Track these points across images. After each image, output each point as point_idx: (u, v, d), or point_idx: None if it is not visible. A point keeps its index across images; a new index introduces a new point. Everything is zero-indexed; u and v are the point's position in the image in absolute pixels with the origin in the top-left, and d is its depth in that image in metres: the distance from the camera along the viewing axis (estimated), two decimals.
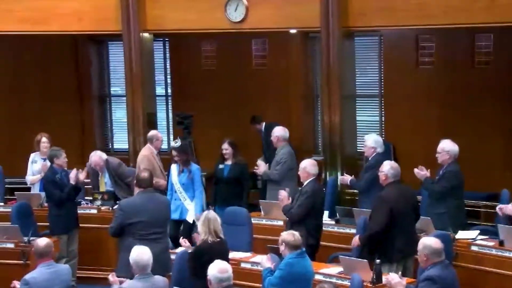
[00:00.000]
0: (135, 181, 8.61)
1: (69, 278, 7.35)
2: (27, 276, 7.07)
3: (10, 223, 9.81)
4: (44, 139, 10.86)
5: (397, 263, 8.06)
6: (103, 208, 10.47)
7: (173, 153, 10.04)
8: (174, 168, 10.06)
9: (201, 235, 7.59)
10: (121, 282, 6.90)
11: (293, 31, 12.91)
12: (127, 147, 12.52)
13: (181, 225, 9.99)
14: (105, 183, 10.56)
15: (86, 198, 10.95)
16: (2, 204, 10.90)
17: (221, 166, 10.35)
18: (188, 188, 9.96)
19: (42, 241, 7.27)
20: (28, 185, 11.13)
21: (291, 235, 7.29)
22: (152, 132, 10.97)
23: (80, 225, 10.05)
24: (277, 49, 13.73)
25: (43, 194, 10.49)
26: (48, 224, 9.95)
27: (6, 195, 11.44)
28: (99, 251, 10.22)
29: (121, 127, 14.11)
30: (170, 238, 9.38)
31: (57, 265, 7.36)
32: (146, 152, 10.61)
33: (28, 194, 10.87)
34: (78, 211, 10.15)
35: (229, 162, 10.30)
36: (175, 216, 9.77)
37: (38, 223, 10.09)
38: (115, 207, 9.96)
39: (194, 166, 10.06)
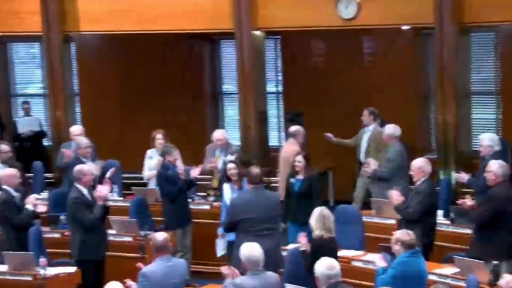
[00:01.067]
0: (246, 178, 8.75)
1: (185, 272, 7.51)
2: (145, 269, 7.25)
3: (128, 217, 10.10)
4: (159, 136, 11.13)
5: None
6: (215, 204, 10.64)
7: (229, 166, 9.56)
8: (226, 187, 9.53)
9: (315, 230, 7.62)
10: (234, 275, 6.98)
11: (405, 27, 12.76)
12: (238, 143, 12.64)
13: None
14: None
15: (198, 194, 11.14)
16: (121, 198, 11.21)
17: (292, 180, 9.84)
18: None
19: (160, 235, 7.43)
20: (144, 181, 11.43)
21: (406, 234, 7.24)
22: (295, 127, 11.05)
23: (193, 220, 10.24)
24: (388, 47, 13.59)
25: (158, 189, 10.75)
26: (163, 218, 10.19)
27: (123, 190, 11.77)
28: (211, 246, 10.36)
29: (232, 125, 14.27)
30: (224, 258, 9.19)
31: (174, 259, 7.52)
32: (295, 146, 10.71)
33: (144, 189, 11.16)
34: (191, 207, 10.36)
35: (300, 176, 9.78)
36: (230, 237, 9.13)
37: (154, 218, 10.34)
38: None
39: (245, 183, 9.21)
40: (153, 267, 7.27)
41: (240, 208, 8.46)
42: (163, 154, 10.34)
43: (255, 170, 8.65)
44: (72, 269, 8.88)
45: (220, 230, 9.51)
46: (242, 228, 8.40)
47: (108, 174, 10.37)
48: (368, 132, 11.73)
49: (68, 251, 9.40)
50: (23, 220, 9.25)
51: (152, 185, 11.09)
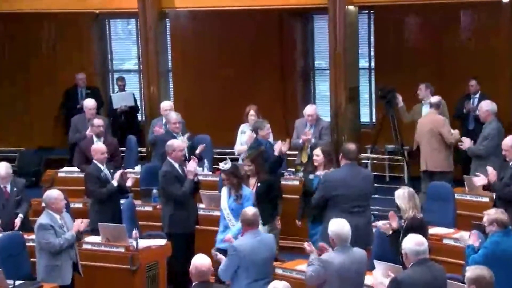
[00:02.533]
0: (341, 154, 8.67)
1: (273, 246, 7.53)
2: (235, 243, 7.32)
3: (217, 191, 10.20)
4: (252, 112, 11.19)
5: None
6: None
7: (223, 176, 9.02)
8: (224, 191, 8.98)
9: (408, 211, 7.49)
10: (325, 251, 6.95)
11: (505, 0, 12.38)
12: (329, 120, 12.56)
13: None
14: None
15: (288, 169, 11.14)
16: (210, 173, 11.32)
17: (311, 176, 9.12)
18: (238, 214, 8.27)
19: (250, 210, 7.49)
20: (236, 155, 11.52)
21: (501, 214, 7.09)
22: (436, 98, 11.06)
23: (283, 195, 10.25)
24: (486, 21, 13.23)
25: None
26: None
27: (214, 165, 11.88)
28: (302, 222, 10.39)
29: (323, 101, 14.19)
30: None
31: (263, 234, 7.56)
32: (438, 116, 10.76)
33: (236, 163, 11.24)
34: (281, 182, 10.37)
35: (320, 172, 9.00)
36: (223, 245, 8.32)
37: None
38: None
39: (247, 190, 8.90)
40: (243, 241, 7.33)
41: (333, 184, 8.43)
42: (255, 129, 10.40)
43: (351, 146, 8.61)
44: (163, 241, 9.04)
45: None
46: (334, 204, 8.37)
47: (198, 150, 10.47)
48: (426, 106, 11.51)
49: (160, 224, 9.57)
50: (104, 195, 9.55)
51: None
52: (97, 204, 9.66)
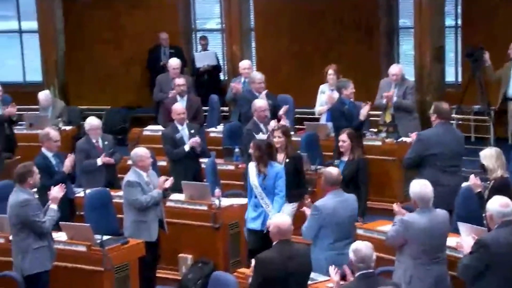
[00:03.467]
0: (435, 114, 8.55)
1: (355, 207, 7.53)
2: (318, 203, 7.34)
3: (299, 152, 10.21)
4: (330, 71, 11.13)
5: None
6: (387, 140, 10.55)
7: (251, 145, 8.32)
8: (252, 167, 8.30)
9: (496, 170, 7.36)
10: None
11: None
12: (413, 79, 12.39)
13: (262, 236, 7.98)
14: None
15: (370, 130, 11.08)
16: (292, 133, 11.33)
17: (336, 162, 8.65)
18: (270, 193, 8.18)
19: (334, 170, 7.51)
20: (316, 116, 11.50)
21: None
22: None
23: (365, 156, 10.20)
24: None
25: (329, 124, 10.78)
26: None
27: (296, 125, 11.89)
28: (383, 183, 10.34)
29: (408, 61, 13.99)
30: (250, 252, 8.13)
31: (345, 194, 7.54)
32: None
33: (316, 124, 11.23)
34: (363, 143, 10.31)
35: (345, 158, 8.55)
36: (255, 225, 8.23)
37: (325, 153, 10.40)
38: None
39: (278, 167, 8.27)
40: (325, 201, 7.34)
41: (428, 143, 8.40)
42: (338, 88, 10.35)
43: (445, 105, 8.55)
44: (245, 200, 9.13)
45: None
46: (428, 163, 8.33)
47: (281, 111, 10.47)
48: None
49: (242, 183, 9.67)
50: (176, 156, 9.70)
51: (323, 120, 11.14)
52: (173, 163, 9.81)
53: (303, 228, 7.34)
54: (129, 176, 8.41)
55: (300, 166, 8.72)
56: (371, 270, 5.82)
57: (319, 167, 9.69)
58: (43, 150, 8.93)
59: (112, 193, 9.09)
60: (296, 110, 12.25)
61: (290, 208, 8.47)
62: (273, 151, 8.31)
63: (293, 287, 6.10)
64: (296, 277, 6.12)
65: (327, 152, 10.39)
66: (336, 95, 10.70)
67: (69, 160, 8.84)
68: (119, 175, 9.63)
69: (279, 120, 10.12)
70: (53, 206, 7.48)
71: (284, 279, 6.03)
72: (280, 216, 6.32)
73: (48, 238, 7.51)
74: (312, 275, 6.55)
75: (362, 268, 5.79)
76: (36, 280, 7.39)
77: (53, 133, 9.02)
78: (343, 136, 8.48)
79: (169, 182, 8.50)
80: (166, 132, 10.00)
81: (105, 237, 7.91)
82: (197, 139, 9.74)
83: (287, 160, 8.58)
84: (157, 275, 8.78)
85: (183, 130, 9.87)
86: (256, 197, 8.19)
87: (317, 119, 11.46)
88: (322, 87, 11.26)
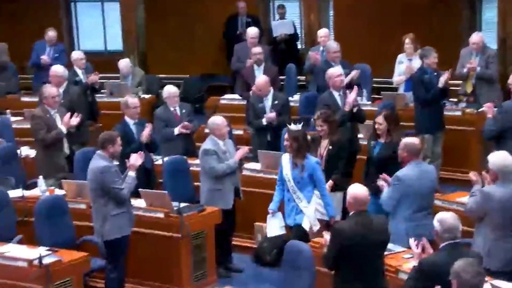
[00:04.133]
0: None
1: (434, 177, 7.46)
2: (399, 173, 7.27)
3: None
4: (407, 40, 10.98)
5: None
6: (467, 110, 10.38)
7: (286, 140, 7.98)
8: (286, 158, 7.92)
9: None
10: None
11: None
12: (495, 48, 12.09)
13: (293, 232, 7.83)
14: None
15: (450, 100, 10.89)
16: (369, 103, 11.24)
17: (372, 143, 8.28)
18: (304, 187, 7.79)
19: (416, 140, 7.44)
20: (394, 86, 11.36)
21: None
22: None
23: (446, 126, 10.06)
24: None
25: (408, 94, 10.65)
26: (413, 124, 10.12)
27: (373, 95, 11.78)
28: (462, 153, 10.18)
29: (490, 29, 13.66)
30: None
31: (424, 164, 7.48)
32: None
33: (394, 94, 11.11)
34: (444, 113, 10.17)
35: (382, 140, 8.18)
36: (289, 221, 7.90)
37: (404, 123, 10.28)
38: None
39: (313, 159, 7.87)
40: (407, 171, 7.27)
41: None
42: (421, 56, 10.20)
43: None
44: None
45: (271, 206, 7.98)
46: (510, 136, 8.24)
47: (352, 74, 10.34)
48: None
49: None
50: (256, 126, 9.77)
51: (402, 90, 11.00)
52: (254, 132, 9.86)
53: (383, 198, 7.30)
54: (206, 145, 8.48)
55: (343, 153, 8.45)
56: (457, 240, 5.72)
57: None
58: (126, 118, 9.06)
59: (189, 161, 9.19)
60: (374, 79, 12.12)
61: (335, 198, 8.20)
62: (309, 142, 8.02)
63: (369, 257, 6.07)
64: (373, 247, 6.08)
65: (405, 122, 10.26)
66: (416, 64, 10.54)
67: (147, 129, 8.94)
68: (197, 144, 9.73)
69: (351, 86, 10.02)
70: (131, 174, 7.60)
71: (360, 250, 6.00)
72: (357, 186, 6.27)
73: (127, 205, 7.64)
74: (389, 245, 6.51)
75: (448, 238, 5.70)
76: (115, 245, 7.55)
77: (131, 101, 9.14)
78: (379, 118, 8.15)
79: (243, 151, 8.53)
80: (251, 99, 10.06)
81: (182, 204, 8.02)
82: (272, 115, 9.69)
83: (330, 147, 8.36)
84: (233, 243, 8.87)
85: (266, 101, 9.86)
86: (288, 191, 7.80)
87: (395, 89, 11.32)
88: (400, 57, 11.12)
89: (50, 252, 7.20)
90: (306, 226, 7.74)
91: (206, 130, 8.81)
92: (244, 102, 10.79)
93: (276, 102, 9.85)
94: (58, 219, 7.91)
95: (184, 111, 9.78)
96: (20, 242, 7.70)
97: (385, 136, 8.11)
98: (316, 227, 7.64)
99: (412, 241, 6.18)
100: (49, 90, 9.34)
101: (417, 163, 7.28)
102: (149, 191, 8.26)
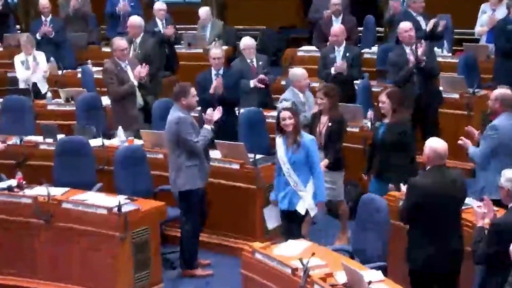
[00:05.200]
0: None
1: None
2: (495, 122, 7.09)
3: (456, 74, 9.95)
4: None
5: None
6: None
7: (285, 114, 7.06)
8: (279, 141, 7.18)
9: None
10: None
11: None
12: None
13: (287, 217, 7.22)
14: None
15: None
16: (449, 54, 11.05)
17: (378, 123, 7.66)
18: (299, 168, 7.08)
19: (509, 91, 7.25)
20: (476, 36, 11.13)
21: None
22: None
23: None
24: None
25: (490, 45, 10.42)
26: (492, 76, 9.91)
27: (454, 46, 11.57)
28: None
29: None
30: (284, 233, 7.20)
31: None
32: None
33: (475, 45, 10.88)
34: None
35: (386, 120, 7.50)
36: (282, 205, 7.20)
37: (482, 75, 10.08)
38: None
39: (308, 137, 7.19)
40: (502, 121, 7.07)
41: None
42: (508, 6, 9.95)
43: None
44: None
45: (272, 196, 7.39)
46: None
47: (440, 26, 10.15)
48: None
49: None
50: (324, 77, 9.58)
51: (483, 41, 10.76)
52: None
53: (475, 151, 7.11)
54: (285, 94, 8.57)
55: (342, 131, 7.92)
56: None
57: (477, 90, 9.41)
58: (212, 68, 9.09)
59: (265, 113, 9.21)
60: (455, 30, 11.88)
61: (338, 177, 7.87)
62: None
63: (446, 213, 5.98)
64: (450, 203, 5.97)
65: (486, 74, 10.07)
66: (499, 15, 10.28)
67: (217, 81, 8.95)
68: (273, 96, 9.74)
69: (440, 38, 9.76)
70: (207, 127, 7.64)
71: (437, 205, 5.91)
72: (436, 140, 6.16)
73: (201, 157, 7.65)
74: (466, 200, 6.41)
75: None
76: (188, 196, 7.63)
77: (213, 51, 9.18)
78: (382, 97, 7.47)
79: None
80: (323, 50, 10.03)
81: (258, 156, 8.06)
82: (343, 65, 9.59)
83: (330, 124, 7.79)
84: None
85: (338, 52, 9.78)
86: (284, 175, 7.10)
87: (477, 40, 11.08)
88: (483, 7, 10.86)
89: (128, 200, 7.36)
90: (301, 210, 7.06)
91: (282, 82, 8.79)
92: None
93: (347, 54, 9.74)
94: (137, 169, 8.06)
95: (260, 63, 9.77)
96: (100, 190, 7.89)
97: (390, 116, 7.44)
98: (314, 211, 7.06)
99: (474, 202, 6.09)
100: (118, 42, 9.33)
101: (510, 115, 7.06)
102: (225, 142, 8.31)
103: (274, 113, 8.68)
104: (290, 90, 8.54)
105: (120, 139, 8.75)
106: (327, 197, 7.34)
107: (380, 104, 7.49)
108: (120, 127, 8.86)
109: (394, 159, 7.30)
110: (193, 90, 7.64)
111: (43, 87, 10.70)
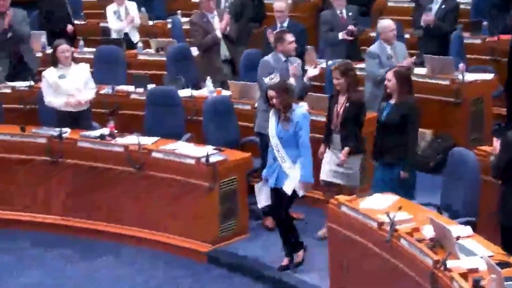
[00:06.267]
0: None
1: None
2: None
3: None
4: None
5: None
6: None
7: (270, 93, 6.76)
8: (272, 116, 6.84)
9: None
10: None
11: None
12: None
13: (275, 195, 6.86)
14: None
15: None
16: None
17: (383, 104, 6.99)
18: (288, 144, 6.73)
19: None
20: None
21: None
22: None
23: None
24: None
25: None
26: None
27: None
28: None
29: None
30: (270, 212, 7.14)
31: None
32: None
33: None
34: None
35: (392, 101, 6.87)
36: (270, 182, 6.82)
37: None
38: None
39: (299, 111, 6.78)
40: None
41: None
42: None
43: None
44: (489, 76, 8.84)
45: (264, 173, 6.95)
46: None
47: None
48: None
49: (489, 57, 9.35)
50: (418, 25, 9.46)
51: None
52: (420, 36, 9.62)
53: None
54: (372, 47, 8.45)
55: (361, 114, 7.20)
56: None
57: None
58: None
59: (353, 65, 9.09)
60: None
61: (355, 161, 7.21)
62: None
63: None
64: None
65: None
66: None
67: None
68: (362, 47, 9.62)
69: None
70: (291, 80, 7.56)
71: None
72: None
73: None
74: None
75: None
76: (260, 138, 7.69)
77: (277, 4, 9.19)
78: (389, 74, 6.89)
79: (409, 61, 8.36)
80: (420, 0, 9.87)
81: None
82: (429, 16, 9.38)
83: (347, 104, 7.16)
84: None
85: (435, 4, 9.53)
86: (273, 149, 6.81)
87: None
88: None
89: (216, 151, 7.45)
90: (287, 190, 6.70)
91: (372, 34, 8.67)
92: (413, 5, 10.49)
93: (443, 6, 9.50)
94: (224, 119, 8.14)
95: (350, 14, 9.66)
96: (188, 140, 8.01)
97: (396, 96, 6.83)
98: (302, 192, 6.71)
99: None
100: None
101: None
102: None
103: (362, 65, 8.61)
104: (378, 42, 8.43)
105: (208, 90, 8.82)
106: (339, 181, 7.13)
107: (386, 82, 6.91)
108: (208, 78, 8.93)
109: (396, 140, 6.77)
110: (289, 37, 7.63)
111: (135, 37, 10.84)
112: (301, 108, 6.84)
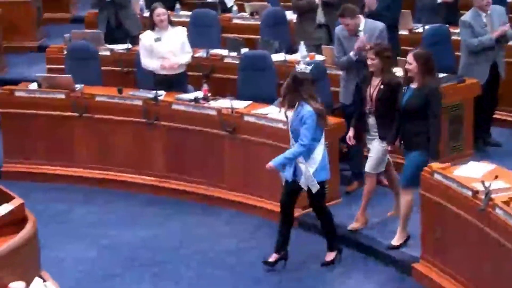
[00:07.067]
0: None
1: None
2: None
3: None
4: None
5: None
6: None
7: (282, 91, 6.67)
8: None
9: None
10: None
11: None
12: None
13: (289, 187, 6.66)
14: None
15: None
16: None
17: (404, 88, 6.61)
18: (298, 136, 6.50)
19: None
20: None
21: None
22: None
23: None
24: None
25: None
26: None
27: None
28: None
29: None
30: (280, 206, 6.74)
31: None
32: None
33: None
34: None
35: (414, 85, 6.52)
36: (285, 174, 6.59)
37: None
38: None
39: (307, 108, 6.46)
40: None
41: None
42: None
43: None
44: None
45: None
46: None
47: None
48: None
49: None
50: None
51: None
52: None
53: None
54: (465, 16, 8.26)
55: (395, 96, 6.72)
56: None
57: None
58: None
59: (451, 29, 8.92)
60: None
61: (378, 145, 6.89)
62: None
63: None
64: None
65: None
66: None
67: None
68: (461, 11, 9.40)
69: None
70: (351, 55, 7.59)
71: None
72: None
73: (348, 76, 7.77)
74: None
75: None
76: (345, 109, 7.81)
77: None
78: (409, 57, 6.50)
79: (503, 30, 8.11)
80: None
81: (441, 75, 7.83)
82: None
83: (381, 86, 6.82)
84: (494, 116, 8.66)
85: None
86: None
87: None
88: None
89: None
90: (304, 185, 6.52)
91: None
92: None
93: None
94: (317, 84, 8.06)
95: None
96: None
97: (417, 80, 6.50)
98: (315, 188, 6.46)
99: None
100: None
101: None
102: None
103: (458, 30, 8.43)
104: (473, 10, 8.21)
105: (301, 54, 8.79)
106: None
107: (406, 65, 6.56)
108: (302, 42, 8.89)
109: (417, 126, 6.48)
110: None
111: (229, 1, 10.87)
112: (308, 106, 6.46)
